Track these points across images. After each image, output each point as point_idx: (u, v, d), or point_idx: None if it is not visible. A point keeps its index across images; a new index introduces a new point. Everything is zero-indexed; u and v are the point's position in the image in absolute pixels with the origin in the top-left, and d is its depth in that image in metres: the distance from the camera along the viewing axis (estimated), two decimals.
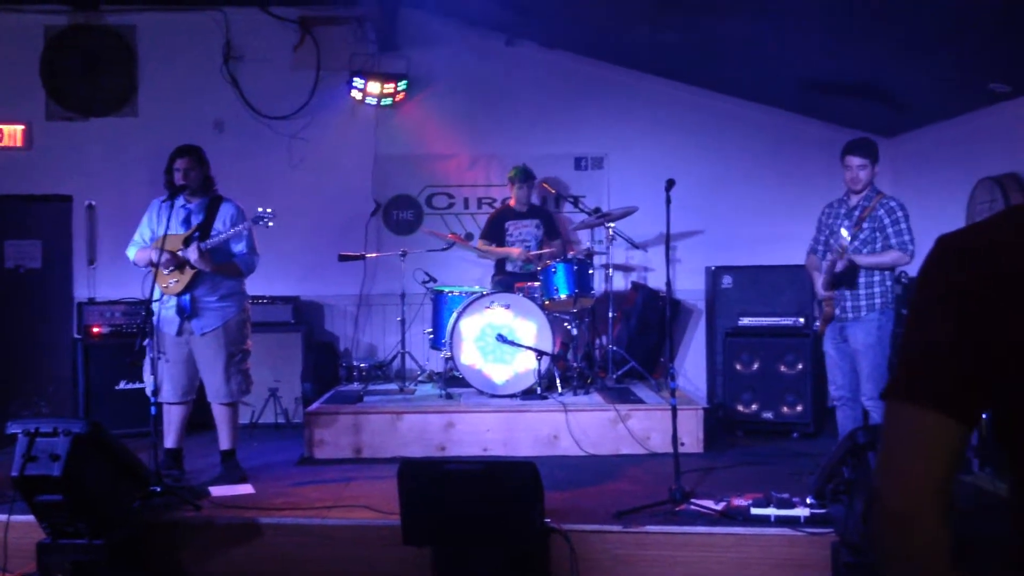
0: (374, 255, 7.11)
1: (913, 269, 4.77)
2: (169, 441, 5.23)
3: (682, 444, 4.99)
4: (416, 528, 3.89)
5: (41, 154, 7.48)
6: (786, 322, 6.72)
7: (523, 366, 6.15)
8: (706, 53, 6.79)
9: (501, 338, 6.09)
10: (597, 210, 6.93)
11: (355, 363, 7.11)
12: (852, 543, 3.61)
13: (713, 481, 5.06)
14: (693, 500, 4.43)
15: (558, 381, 6.31)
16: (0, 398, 7.03)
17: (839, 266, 4.79)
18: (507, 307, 6.19)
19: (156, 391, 4.99)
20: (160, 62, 7.51)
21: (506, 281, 6.85)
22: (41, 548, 3.97)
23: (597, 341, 7.13)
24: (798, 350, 6.52)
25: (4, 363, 7.19)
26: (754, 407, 6.60)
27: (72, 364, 6.72)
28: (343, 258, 6.88)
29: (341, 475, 5.31)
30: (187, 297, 5.08)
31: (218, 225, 5.15)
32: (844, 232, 4.74)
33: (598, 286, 6.86)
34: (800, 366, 6.49)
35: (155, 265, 4.98)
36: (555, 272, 6.38)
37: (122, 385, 6.57)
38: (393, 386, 6.71)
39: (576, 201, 7.21)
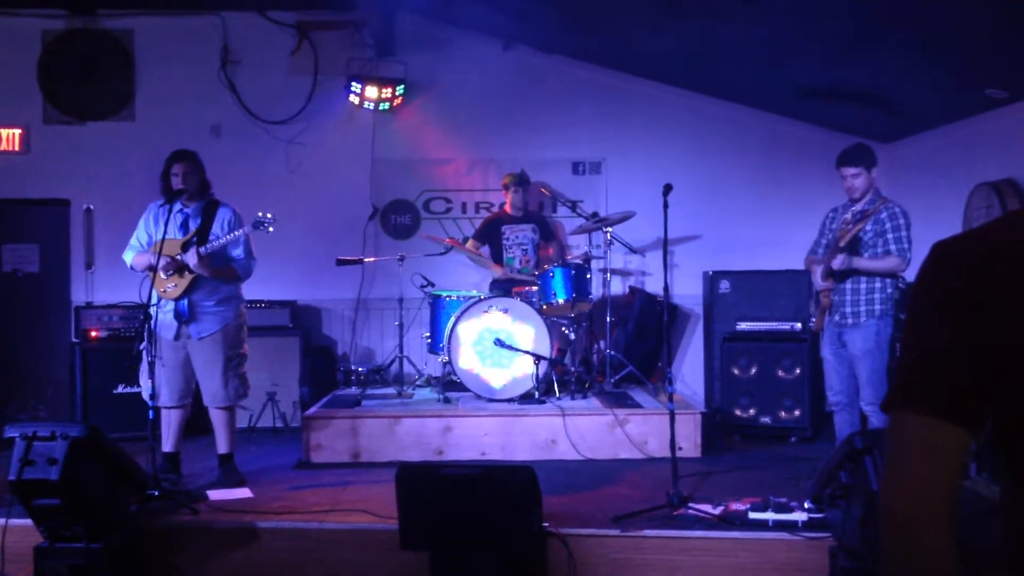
0: (372, 259, 7.11)
1: (912, 275, 4.78)
2: (167, 445, 5.22)
3: (680, 448, 4.98)
4: (414, 532, 3.88)
5: (39, 158, 7.48)
6: (784, 327, 6.73)
7: (521, 370, 6.15)
8: (704, 58, 6.81)
9: (499, 342, 6.10)
10: (595, 215, 6.94)
11: (353, 367, 7.11)
12: (850, 547, 3.61)
13: (711, 485, 5.06)
14: (691, 504, 4.43)
15: (556, 385, 6.31)
16: None
17: (837, 263, 4.80)
18: (505, 311, 6.19)
19: (153, 395, 4.99)
20: (158, 66, 7.52)
21: (504, 285, 6.86)
22: (38, 552, 3.96)
23: (595, 345, 7.13)
24: (796, 355, 6.53)
25: (2, 367, 7.18)
26: (752, 411, 6.61)
27: (70, 368, 6.71)
28: (341, 262, 6.89)
29: (339, 479, 5.30)
30: (185, 301, 5.07)
31: (216, 229, 5.15)
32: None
33: (596, 290, 6.86)
34: (798, 371, 6.50)
35: (153, 270, 4.99)
36: (553, 276, 6.39)
37: (120, 389, 6.56)
38: (391, 390, 6.71)
39: (574, 206, 7.22)
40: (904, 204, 4.86)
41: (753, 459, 5.89)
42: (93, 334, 6.72)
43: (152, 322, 4.99)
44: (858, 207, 4.91)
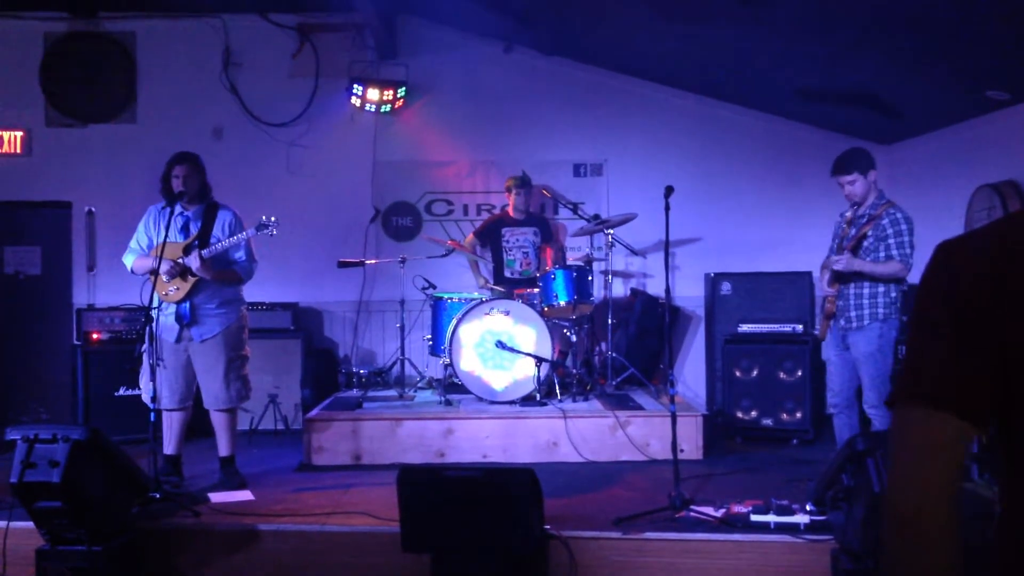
0: (373, 262, 7.11)
1: (915, 278, 4.78)
2: (168, 447, 5.22)
3: (681, 451, 4.98)
4: (415, 535, 3.88)
5: (40, 160, 7.49)
6: (785, 329, 6.72)
7: (522, 373, 6.15)
8: (704, 61, 6.81)
9: (500, 344, 6.09)
10: (596, 217, 6.94)
11: (354, 369, 7.11)
12: (852, 550, 3.60)
13: (712, 488, 5.05)
14: (692, 507, 4.42)
15: (557, 388, 6.31)
16: None
17: (840, 264, 4.81)
18: (506, 313, 6.19)
19: (154, 398, 4.99)
20: (159, 69, 7.53)
21: (505, 288, 6.87)
22: (40, 554, 3.96)
23: (596, 348, 7.12)
24: (797, 357, 6.52)
25: (3, 369, 7.19)
26: (753, 414, 6.60)
27: (71, 370, 6.71)
28: (342, 264, 6.89)
29: (340, 482, 5.30)
30: (187, 304, 5.07)
31: (217, 232, 5.15)
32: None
33: (597, 293, 6.86)
34: (799, 373, 6.49)
35: (155, 273, 4.98)
36: (554, 279, 6.39)
37: (121, 391, 6.56)
38: (392, 392, 6.71)
39: (575, 207, 7.22)
40: (905, 206, 4.85)
41: (755, 461, 5.88)
42: (95, 336, 6.73)
43: (154, 325, 5.00)
44: (862, 211, 4.91)
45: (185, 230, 5.17)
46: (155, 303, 5.01)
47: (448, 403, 6.22)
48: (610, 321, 6.67)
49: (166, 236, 4.91)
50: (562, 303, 6.34)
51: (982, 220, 5.66)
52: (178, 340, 5.11)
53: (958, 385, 1.26)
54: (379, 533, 4.20)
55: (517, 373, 6.16)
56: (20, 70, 7.42)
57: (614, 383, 6.67)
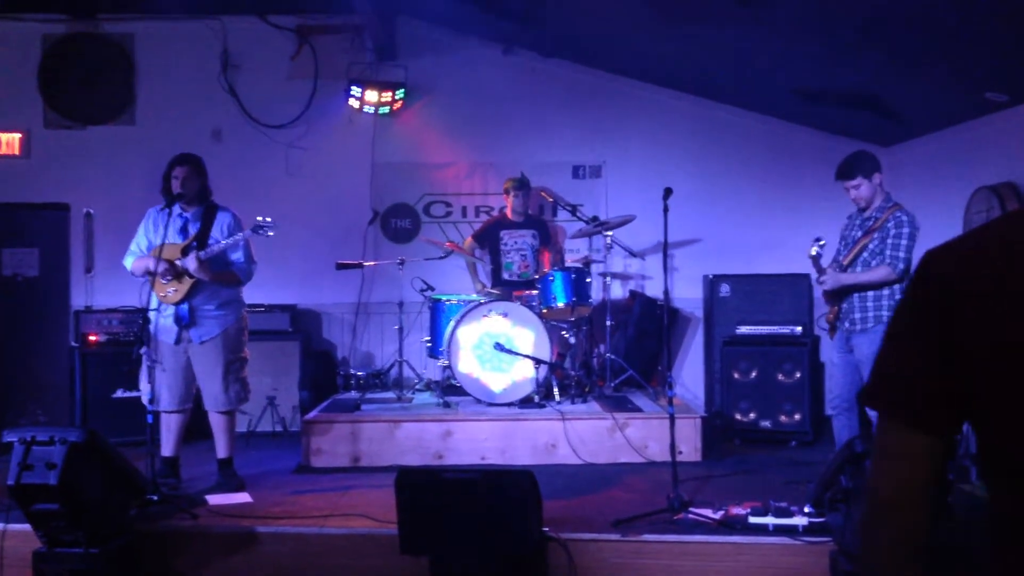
0: (372, 263, 7.10)
1: None
2: (166, 449, 5.21)
3: (680, 452, 4.98)
4: (414, 537, 3.88)
5: (39, 162, 7.49)
6: (784, 331, 6.72)
7: (521, 375, 6.14)
8: (704, 62, 6.81)
9: (499, 346, 6.09)
10: (595, 218, 6.94)
11: (353, 371, 7.10)
12: (850, 552, 3.60)
13: (711, 490, 5.05)
14: (691, 509, 4.42)
15: (556, 390, 6.30)
16: None
17: (826, 285, 4.86)
18: (505, 315, 6.19)
19: (153, 399, 4.98)
20: (158, 71, 7.53)
21: (504, 289, 6.87)
22: (37, 557, 3.96)
23: (595, 350, 7.12)
24: (796, 359, 6.52)
25: (1, 371, 7.17)
26: (752, 415, 6.60)
27: (69, 372, 6.70)
28: (341, 266, 6.88)
29: (338, 484, 5.30)
30: (185, 306, 5.07)
31: (215, 234, 5.15)
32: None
33: (596, 294, 6.86)
34: (798, 375, 6.49)
35: (153, 274, 4.98)
36: (553, 280, 6.39)
37: (119, 393, 6.55)
38: (391, 394, 6.70)
39: (574, 209, 7.22)
40: (904, 207, 4.85)
41: (753, 463, 5.88)
42: (92, 338, 6.72)
43: (152, 326, 4.99)
44: (869, 213, 4.92)
45: (184, 231, 5.17)
46: (154, 304, 5.01)
47: (446, 405, 6.22)
48: (609, 323, 6.67)
49: (164, 237, 4.91)
50: (560, 305, 6.34)
51: (980, 222, 5.64)
52: (177, 342, 5.11)
53: (927, 400, 1.32)
54: (377, 535, 4.20)
55: (516, 375, 6.16)
56: (19, 72, 7.41)
57: (612, 385, 6.67)
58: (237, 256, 5.19)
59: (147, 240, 5.20)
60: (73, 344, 6.85)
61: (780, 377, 6.54)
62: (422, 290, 6.80)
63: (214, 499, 4.86)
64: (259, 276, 5.38)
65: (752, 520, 4.18)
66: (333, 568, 4.22)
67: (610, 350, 6.74)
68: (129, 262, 5.22)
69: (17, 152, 7.48)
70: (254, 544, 4.29)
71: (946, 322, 1.28)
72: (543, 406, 6.09)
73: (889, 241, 4.75)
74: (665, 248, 4.96)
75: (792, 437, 6.48)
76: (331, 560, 4.23)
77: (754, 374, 6.62)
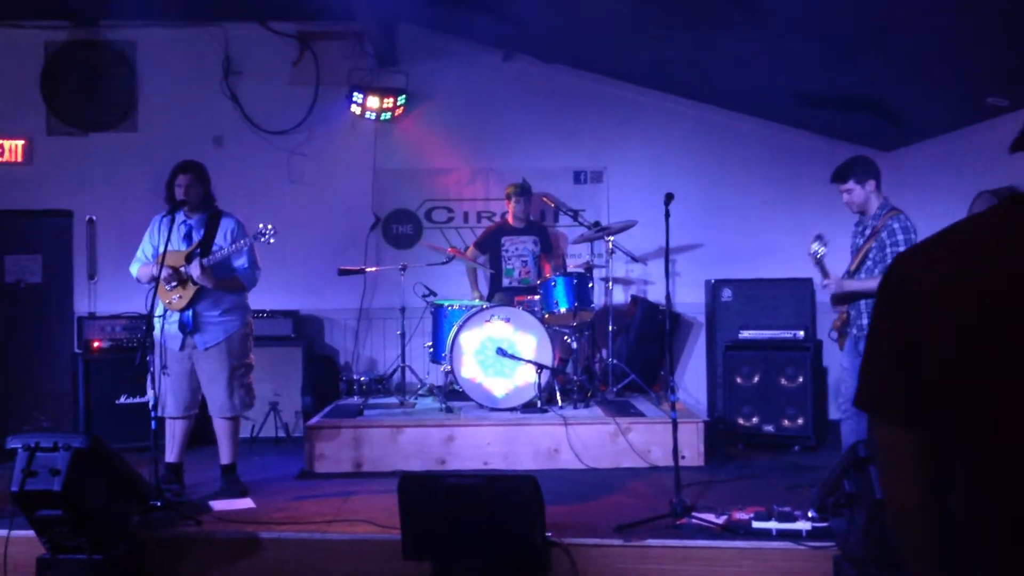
0: (374, 269, 7.11)
1: None
2: (170, 455, 5.22)
3: (683, 457, 4.98)
4: (416, 542, 3.88)
5: (42, 169, 7.50)
6: (786, 335, 6.72)
7: (523, 380, 6.14)
8: (704, 67, 6.82)
9: (501, 352, 6.09)
10: (596, 224, 6.94)
11: (355, 377, 7.11)
12: (854, 556, 3.60)
13: (714, 494, 5.05)
14: (694, 514, 4.42)
15: (558, 394, 6.30)
16: (0, 413, 7.01)
17: (829, 290, 4.86)
18: (507, 321, 6.19)
19: (157, 405, 4.99)
20: (160, 77, 7.54)
21: (506, 295, 6.87)
22: (41, 563, 3.96)
23: (597, 354, 7.13)
24: (798, 363, 6.52)
25: (4, 378, 7.18)
26: (755, 420, 6.59)
27: (73, 378, 6.71)
28: (343, 272, 6.89)
29: (341, 489, 5.30)
30: (190, 312, 5.08)
31: (219, 240, 5.16)
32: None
33: (598, 299, 6.87)
34: (801, 379, 6.49)
35: (157, 280, 4.99)
36: (555, 286, 6.40)
37: (123, 399, 6.56)
38: (393, 400, 6.70)
39: (576, 215, 7.22)
40: (907, 214, 4.86)
41: (756, 468, 5.87)
42: (96, 345, 6.73)
43: (157, 333, 5.00)
44: (867, 220, 4.92)
45: (188, 238, 5.18)
46: (159, 311, 5.03)
47: (449, 410, 6.22)
48: (611, 328, 6.67)
49: (167, 244, 4.92)
50: (563, 310, 6.34)
51: None
52: (182, 348, 5.12)
53: (906, 398, 1.36)
54: (380, 541, 4.20)
55: (518, 380, 6.16)
56: (21, 79, 7.42)
57: (615, 390, 6.67)
58: (241, 262, 5.20)
59: (152, 247, 5.21)
60: (76, 350, 6.86)
61: (783, 381, 6.53)
62: (424, 295, 6.81)
63: (217, 505, 4.87)
64: (262, 282, 5.39)
65: (755, 525, 4.18)
66: (336, 574, 4.22)
67: (612, 355, 6.74)
68: (135, 269, 5.24)
69: (20, 159, 7.50)
70: (257, 550, 4.29)
71: (913, 321, 1.33)
72: (545, 411, 6.09)
73: (888, 250, 4.76)
74: (667, 253, 4.97)
75: (795, 442, 6.47)
76: (334, 565, 4.23)
77: (757, 379, 6.62)
